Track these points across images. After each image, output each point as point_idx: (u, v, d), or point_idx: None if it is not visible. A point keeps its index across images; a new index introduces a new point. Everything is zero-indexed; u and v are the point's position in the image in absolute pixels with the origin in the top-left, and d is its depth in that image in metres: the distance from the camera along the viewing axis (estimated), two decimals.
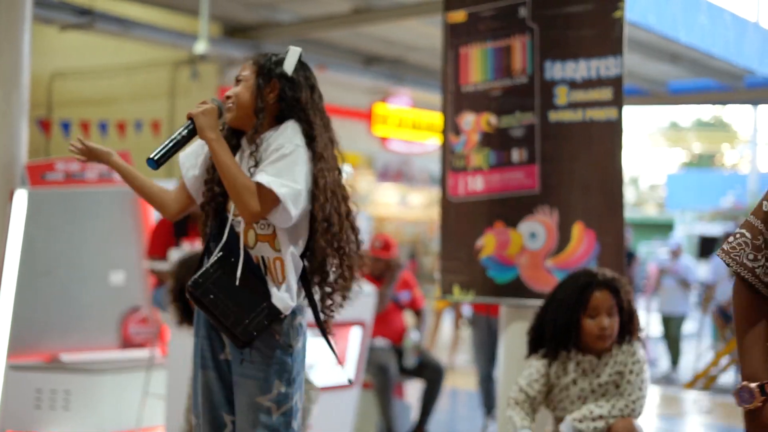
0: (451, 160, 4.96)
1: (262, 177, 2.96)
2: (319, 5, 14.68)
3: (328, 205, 3.09)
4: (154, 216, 7.34)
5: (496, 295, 4.82)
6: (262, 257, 3.07)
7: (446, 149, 5.00)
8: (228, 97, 3.19)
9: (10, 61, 7.45)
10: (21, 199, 7.00)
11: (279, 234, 3.04)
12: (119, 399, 6.82)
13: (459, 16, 4.99)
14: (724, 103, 21.17)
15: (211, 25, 14.98)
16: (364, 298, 6.45)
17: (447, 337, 13.09)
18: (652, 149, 39.16)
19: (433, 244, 20.43)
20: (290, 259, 3.03)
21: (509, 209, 4.78)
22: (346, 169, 3.30)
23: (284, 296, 3.01)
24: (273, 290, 3.02)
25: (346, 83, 17.68)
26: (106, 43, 16.56)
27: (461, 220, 4.92)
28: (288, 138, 3.05)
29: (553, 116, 4.69)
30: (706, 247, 16.35)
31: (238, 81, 3.21)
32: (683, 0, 14.52)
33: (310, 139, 3.10)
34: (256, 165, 3.06)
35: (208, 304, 3.02)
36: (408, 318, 7.27)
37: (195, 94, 16.52)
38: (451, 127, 4.98)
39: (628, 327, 3.87)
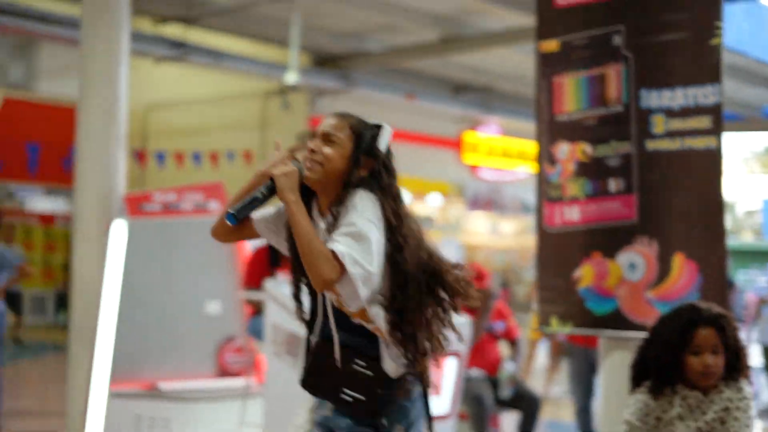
0: (546, 190, 4.93)
1: (337, 246, 2.83)
2: (408, 35, 14.77)
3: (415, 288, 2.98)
4: (249, 246, 7.43)
5: (595, 327, 4.77)
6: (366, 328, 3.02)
7: (541, 179, 4.97)
8: (313, 152, 3.01)
9: (108, 95, 7.63)
10: (120, 229, 7.14)
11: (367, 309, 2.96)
12: (216, 427, 6.89)
13: (552, 45, 4.97)
14: None
15: (301, 56, 15.16)
16: (458, 328, 6.43)
17: (542, 366, 12.97)
18: (747, 175, 38.43)
19: (525, 273, 20.31)
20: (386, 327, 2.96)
21: (607, 239, 4.72)
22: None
23: (392, 363, 2.98)
24: (386, 358, 2.98)
25: (435, 112, 17.74)
26: (199, 74, 16.86)
27: (558, 250, 4.88)
28: (363, 210, 2.92)
29: (651, 145, 4.63)
30: None
31: (326, 138, 3.03)
32: None
33: (395, 221, 2.98)
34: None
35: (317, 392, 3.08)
36: (503, 348, 7.22)
37: (286, 124, 16.71)
38: (545, 157, 4.95)
39: (735, 364, 3.78)
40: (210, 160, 15.08)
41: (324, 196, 3.03)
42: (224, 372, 7.44)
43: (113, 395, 6.89)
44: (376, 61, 16.03)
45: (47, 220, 19.09)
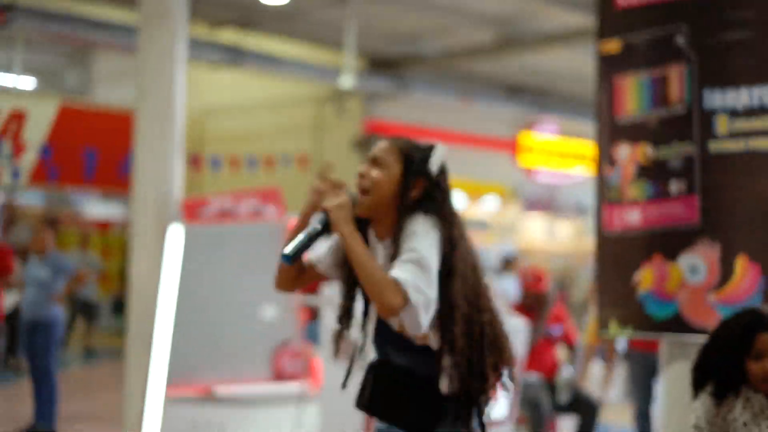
0: (605, 193, 4.85)
1: (399, 275, 2.80)
2: (463, 37, 14.71)
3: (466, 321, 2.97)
4: None
5: (655, 331, 4.67)
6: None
7: (600, 181, 4.89)
8: (362, 176, 2.99)
9: (165, 101, 7.68)
10: (177, 234, 7.16)
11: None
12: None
13: (613, 45, 4.88)
14: None
15: (355, 60, 15.16)
16: (514, 333, 6.38)
17: (599, 371, 12.82)
18: None
19: (582, 276, 20.13)
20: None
21: (668, 242, 4.62)
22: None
23: (446, 382, 2.97)
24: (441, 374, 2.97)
25: (490, 113, 17.66)
26: (254, 79, 16.93)
27: (618, 254, 4.79)
28: (423, 236, 2.89)
29: (713, 146, 4.52)
30: None
31: (375, 162, 3.00)
32: None
33: (448, 247, 2.94)
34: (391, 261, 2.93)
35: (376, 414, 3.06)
36: (561, 352, 7.14)
37: (340, 129, 16.73)
38: (605, 159, 4.87)
39: None
40: (265, 165, 15.12)
41: (379, 221, 3.01)
42: (280, 376, 7.43)
43: (169, 400, 6.92)
44: (430, 64, 15.98)
45: (103, 226, 19.26)
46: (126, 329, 7.72)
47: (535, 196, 20.12)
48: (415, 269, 2.80)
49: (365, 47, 15.07)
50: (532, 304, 7.04)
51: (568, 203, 20.73)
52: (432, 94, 16.11)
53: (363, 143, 16.26)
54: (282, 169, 15.18)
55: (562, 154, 20.28)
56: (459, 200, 17.86)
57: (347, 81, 13.49)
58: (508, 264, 14.72)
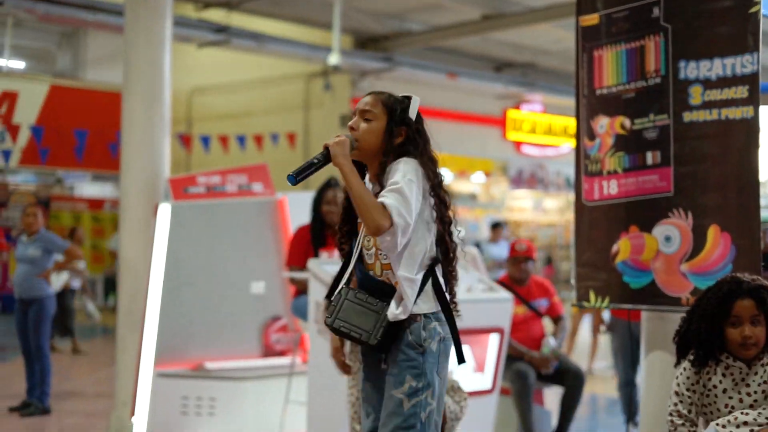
0: (585, 165, 4.93)
1: (385, 200, 3.28)
2: (449, 13, 14.76)
3: (447, 237, 3.48)
4: (292, 226, 7.49)
5: (632, 301, 4.76)
6: (389, 279, 3.44)
7: (580, 153, 4.97)
8: (352, 129, 3.48)
9: (151, 79, 7.73)
10: (165, 212, 7.23)
11: (392, 262, 3.40)
12: (262, 406, 6.98)
13: (592, 19, 4.95)
14: None
15: (343, 37, 15.19)
16: (501, 304, 6.47)
17: (586, 342, 12.95)
18: None
19: (571, 249, 20.27)
20: (404, 281, 3.37)
21: (644, 213, 4.71)
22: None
23: (395, 311, 3.36)
24: (391, 305, 3.38)
25: (478, 90, 17.71)
26: (242, 58, 16.94)
27: (596, 225, 4.87)
28: (405, 172, 3.35)
29: (688, 117, 4.60)
30: None
31: (363, 114, 3.48)
32: None
33: (429, 180, 3.44)
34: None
35: (341, 334, 3.46)
36: (547, 325, 7.22)
37: (328, 106, 16.78)
38: (585, 132, 4.95)
39: None
40: (254, 143, 15.16)
41: (370, 166, 3.50)
42: (269, 352, 7.52)
43: (160, 375, 7.00)
44: (417, 41, 16.04)
45: (95, 205, 19.31)
46: (118, 306, 7.80)
47: (523, 171, 20.21)
48: (397, 197, 3.28)
49: (352, 25, 15.12)
50: (521, 277, 7.12)
51: (556, 177, 20.83)
52: (419, 70, 16.17)
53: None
54: (271, 146, 15.23)
55: (549, 129, 20.36)
56: (447, 176, 17.98)
57: (335, 58, 13.54)
58: (496, 227, 14.79)
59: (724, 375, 3.79)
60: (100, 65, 18.69)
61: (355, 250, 3.47)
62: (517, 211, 21.03)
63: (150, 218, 7.39)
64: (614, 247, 4.80)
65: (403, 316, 3.35)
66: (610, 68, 4.87)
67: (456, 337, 3.47)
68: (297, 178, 3.34)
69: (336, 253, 6.58)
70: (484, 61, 17.32)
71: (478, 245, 17.27)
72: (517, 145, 19.90)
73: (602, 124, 4.87)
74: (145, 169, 7.65)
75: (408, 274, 3.37)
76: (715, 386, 3.80)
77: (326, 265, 5.93)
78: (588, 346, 11.94)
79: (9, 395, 9.02)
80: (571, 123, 18.93)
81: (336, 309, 3.43)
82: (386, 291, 3.40)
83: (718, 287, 3.84)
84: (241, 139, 15.30)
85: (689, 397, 3.84)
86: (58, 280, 12.93)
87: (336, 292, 3.48)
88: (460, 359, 3.49)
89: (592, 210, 4.89)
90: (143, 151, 7.66)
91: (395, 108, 3.49)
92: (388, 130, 3.46)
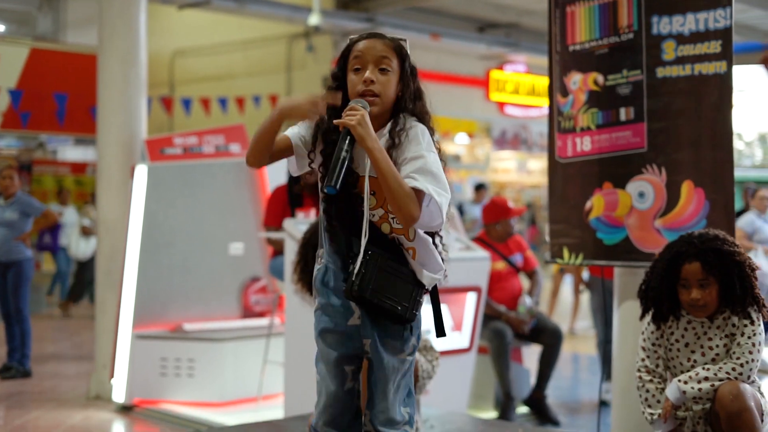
0: (559, 122, 4.91)
1: (421, 184, 2.96)
2: None
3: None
4: (270, 187, 7.47)
5: (606, 258, 4.76)
6: (400, 245, 3.15)
7: (553, 110, 4.95)
8: (372, 81, 3.03)
9: (127, 41, 7.66)
10: (141, 174, 7.19)
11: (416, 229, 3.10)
12: (241, 367, 6.98)
13: None
14: None
15: None
16: (478, 263, 6.47)
17: (568, 301, 13.00)
18: None
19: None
20: (422, 246, 3.12)
21: (617, 169, 4.70)
22: None
23: (431, 275, 3.12)
24: (417, 269, 3.12)
25: (461, 51, 17.65)
26: (224, 20, 16.83)
27: (570, 182, 4.86)
28: (427, 145, 3.04)
29: (661, 72, 4.59)
30: None
31: (380, 66, 3.05)
32: None
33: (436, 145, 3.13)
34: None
35: (373, 305, 3.10)
36: (523, 282, 7.23)
37: (311, 67, 16.69)
38: (558, 88, 4.92)
39: (742, 298, 3.73)
40: (236, 105, 15.07)
41: (373, 119, 3.01)
42: (249, 313, 7.52)
43: (139, 337, 6.99)
44: (400, 1, 15.93)
45: (78, 168, 19.23)
46: (96, 269, 7.78)
47: (507, 131, 20.19)
48: (429, 177, 2.96)
49: None
50: (501, 231, 7.11)
51: (540, 138, 20.82)
52: (402, 31, 16.03)
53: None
54: (253, 108, 15.14)
55: (532, 89, 20.30)
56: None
57: (315, 19, 13.47)
58: (479, 189, 14.79)
59: (686, 329, 3.80)
60: (81, 28, 18.53)
61: (366, 212, 3.07)
62: (501, 172, 21.02)
63: (127, 180, 7.35)
64: (588, 204, 4.79)
65: (439, 277, 3.14)
66: (583, 24, 4.84)
67: (438, 308, 3.26)
68: (336, 184, 2.91)
69: (312, 212, 6.59)
70: (467, 21, 17.22)
71: (460, 206, 17.32)
72: (501, 105, 19.85)
73: (575, 80, 4.85)
74: (122, 131, 7.59)
75: (428, 238, 3.15)
76: (677, 340, 3.81)
77: (302, 225, 5.90)
78: (570, 306, 11.99)
79: None
80: None
81: (364, 276, 3.05)
82: (398, 254, 3.12)
83: (668, 248, 3.84)
84: (223, 102, 15.21)
85: (655, 352, 3.86)
86: (87, 247, 12.92)
87: (362, 256, 3.08)
88: (440, 332, 3.24)
89: (566, 167, 4.88)
90: (120, 113, 7.60)
91: (406, 55, 3.13)
92: (404, 81, 3.08)
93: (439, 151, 3.14)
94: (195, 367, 6.94)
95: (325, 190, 2.96)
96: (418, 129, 3.05)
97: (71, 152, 20.06)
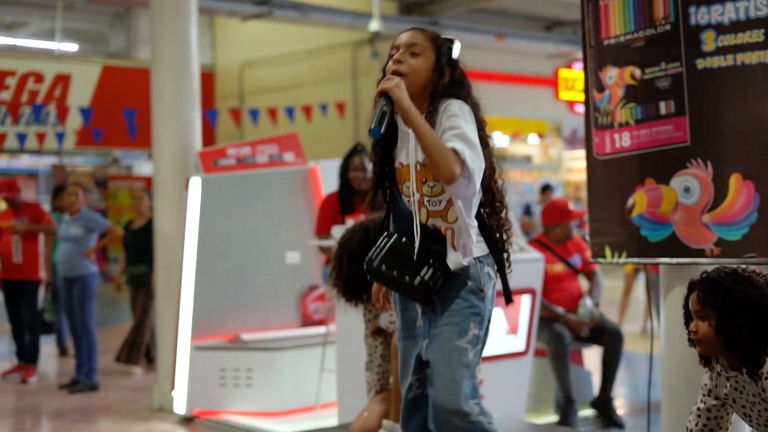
0: (595, 118, 4.79)
1: (457, 144, 3.11)
2: None
3: (493, 183, 3.40)
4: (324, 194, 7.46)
5: (651, 255, 4.62)
6: (435, 226, 3.28)
7: (590, 107, 4.82)
8: (400, 62, 3.28)
9: (178, 53, 7.73)
10: (195, 186, 7.24)
11: (451, 209, 3.25)
12: (299, 376, 6.98)
13: None
14: None
15: (387, 4, 15.09)
16: (532, 265, 6.36)
17: (641, 301, 12.78)
18: None
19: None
20: (461, 228, 3.23)
21: (660, 164, 4.55)
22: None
23: (457, 257, 3.23)
24: (449, 251, 3.23)
25: (528, 50, 17.48)
26: (289, 30, 16.91)
27: (609, 179, 4.72)
28: (462, 116, 3.21)
29: (701, 63, 4.44)
30: None
31: (411, 48, 3.28)
32: None
33: (477, 124, 3.29)
34: None
35: (381, 274, 3.28)
36: (582, 284, 7.10)
37: (376, 74, 16.62)
38: (593, 84, 4.79)
39: (749, 347, 3.28)
40: (304, 114, 15.13)
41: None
42: (308, 321, 7.52)
43: (199, 348, 7.03)
44: (462, 4, 15.87)
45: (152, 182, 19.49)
46: (156, 282, 7.86)
47: (578, 131, 19.94)
48: (464, 142, 3.13)
49: None
50: (560, 233, 7.00)
51: None
52: (467, 33, 15.97)
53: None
54: (320, 116, 15.19)
55: None
56: (501, 139, 17.80)
57: (375, 24, 13.46)
58: (545, 190, 14.62)
59: (727, 380, 3.41)
60: None
61: (413, 199, 3.27)
62: (576, 171, 20.75)
63: (182, 193, 7.41)
64: (630, 201, 4.66)
65: (466, 263, 3.24)
66: (617, 17, 4.72)
67: (504, 276, 3.36)
68: (379, 129, 3.14)
69: (362, 218, 6.56)
70: (532, 20, 17.07)
71: (528, 207, 17.13)
72: (570, 104, 19.60)
73: (611, 75, 4.73)
74: (176, 144, 7.66)
75: (468, 220, 3.25)
76: (726, 393, 3.43)
77: None
78: (643, 306, 11.78)
79: (60, 373, 9.17)
80: None
81: (379, 251, 3.26)
82: (435, 238, 3.25)
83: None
84: (290, 111, 15.28)
85: (707, 395, 3.48)
86: None
87: (382, 237, 3.30)
88: (508, 299, 3.39)
89: (605, 164, 4.75)
90: (173, 126, 7.68)
91: (442, 45, 3.34)
92: (438, 67, 3.30)
93: (483, 131, 3.30)
94: (253, 377, 6.96)
95: (370, 134, 3.16)
96: (455, 104, 3.23)
97: (146, 167, 20.36)
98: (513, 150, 19.12)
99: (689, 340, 3.46)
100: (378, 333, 4.58)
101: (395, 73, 3.26)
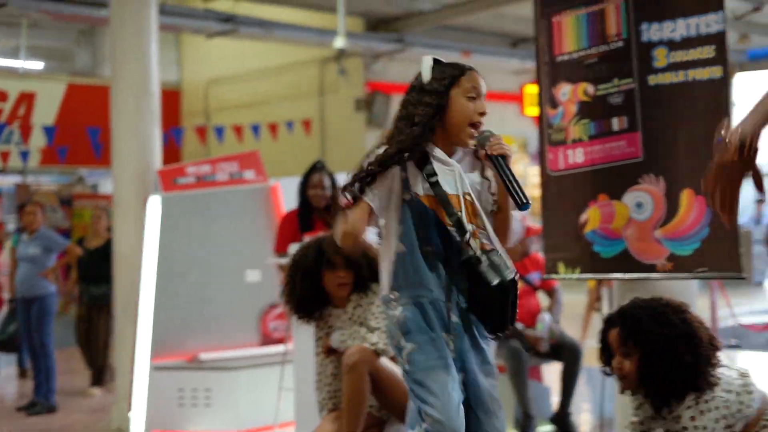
0: (549, 134, 4.80)
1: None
2: None
3: None
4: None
5: (604, 271, 4.63)
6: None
7: (543, 123, 4.83)
8: (485, 113, 3.36)
9: (138, 71, 7.68)
10: (155, 204, 7.18)
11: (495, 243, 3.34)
12: (257, 394, 6.93)
13: None
14: None
15: (353, 20, 15.08)
16: None
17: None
18: None
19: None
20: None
21: (613, 180, 4.57)
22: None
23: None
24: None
25: (494, 66, 17.47)
26: (256, 47, 16.87)
27: (563, 195, 4.73)
28: None
29: (653, 80, 4.46)
30: None
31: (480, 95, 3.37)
32: None
33: None
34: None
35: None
36: (542, 299, 7.09)
37: (343, 91, 16.66)
38: (547, 100, 4.81)
39: (667, 388, 3.27)
40: (269, 131, 15.08)
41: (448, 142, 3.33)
42: (267, 339, 7.46)
43: (157, 368, 6.97)
44: (429, 20, 15.89)
45: None
46: (114, 301, 7.78)
47: None
48: None
49: (362, 7, 15.00)
50: (516, 252, 6.99)
51: None
52: (433, 50, 15.97)
53: (366, 103, 16.21)
54: (286, 134, 15.15)
55: None
56: None
57: (340, 42, 13.44)
58: None
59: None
60: None
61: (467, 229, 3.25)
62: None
63: (142, 211, 7.35)
64: (583, 217, 4.67)
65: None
66: (570, 33, 4.74)
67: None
68: (527, 200, 3.23)
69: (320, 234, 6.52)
70: (498, 37, 17.11)
71: None
72: (536, 120, 19.59)
73: (564, 91, 4.74)
74: (136, 162, 7.61)
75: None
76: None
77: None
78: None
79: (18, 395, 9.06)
80: None
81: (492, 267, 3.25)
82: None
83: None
84: (256, 128, 15.23)
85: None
86: None
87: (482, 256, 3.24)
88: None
89: (559, 180, 4.76)
90: (133, 144, 7.63)
91: None
92: None
93: None
94: (212, 396, 6.90)
95: (521, 210, 3.25)
96: None
97: (111, 185, 20.25)
98: None
99: (608, 373, 3.43)
100: (330, 352, 4.55)
101: (478, 125, 3.31)
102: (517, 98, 19.12)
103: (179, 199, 7.30)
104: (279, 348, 7.21)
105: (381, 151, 3.21)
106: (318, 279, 4.56)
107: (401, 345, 3.21)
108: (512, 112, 18.95)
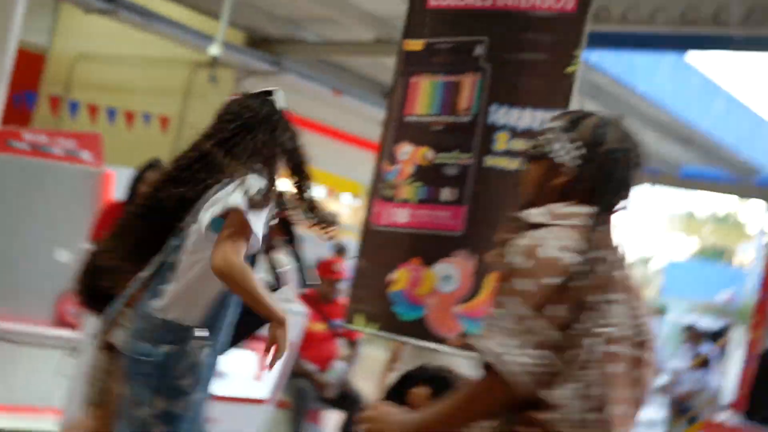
0: (380, 188, 4.84)
1: None
2: (344, 30, 14.70)
3: None
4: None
5: (400, 333, 4.66)
6: None
7: (377, 176, 4.88)
8: None
9: None
10: None
11: None
12: (36, 374, 6.73)
13: (416, 44, 4.87)
14: (737, 195, 20.91)
15: (234, 33, 14.99)
16: (294, 318, 6.34)
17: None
18: (669, 234, 39.00)
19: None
20: None
21: (429, 247, 4.63)
22: None
23: None
24: None
25: (361, 111, 17.63)
26: (132, 33, 16.58)
27: (379, 250, 4.77)
28: None
29: (489, 161, 4.55)
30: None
31: None
32: (702, 84, 14.41)
33: None
34: None
35: None
36: (342, 347, 7.13)
37: (209, 97, 16.47)
38: (387, 155, 4.86)
39: None
40: (125, 119, 14.83)
41: None
42: (62, 321, 7.28)
43: None
44: (309, 51, 15.94)
45: None
46: None
47: None
48: None
49: (247, 23, 14.95)
50: (326, 291, 7.02)
51: None
52: (306, 80, 16.03)
53: None
54: (142, 125, 14.92)
55: None
56: (319, 193, 17.73)
57: (215, 49, 13.37)
58: (340, 251, 14.69)
59: None
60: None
61: None
62: None
63: None
64: (392, 276, 4.72)
65: None
66: (424, 96, 4.80)
67: None
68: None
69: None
70: (372, 84, 17.26)
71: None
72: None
73: (405, 151, 4.80)
74: None
75: None
76: None
77: None
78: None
79: None
80: None
81: None
82: None
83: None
84: (112, 112, 14.96)
85: None
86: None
87: None
88: None
89: (378, 234, 4.80)
90: None
91: None
92: None
93: None
94: None
95: None
96: None
97: None
98: (327, 205, 19.11)
99: None
100: (109, 348, 4.46)
101: None
102: (375, 147, 19.28)
103: (7, 162, 7.09)
104: (70, 333, 7.05)
105: None
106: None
107: None
108: (368, 160, 19.09)
